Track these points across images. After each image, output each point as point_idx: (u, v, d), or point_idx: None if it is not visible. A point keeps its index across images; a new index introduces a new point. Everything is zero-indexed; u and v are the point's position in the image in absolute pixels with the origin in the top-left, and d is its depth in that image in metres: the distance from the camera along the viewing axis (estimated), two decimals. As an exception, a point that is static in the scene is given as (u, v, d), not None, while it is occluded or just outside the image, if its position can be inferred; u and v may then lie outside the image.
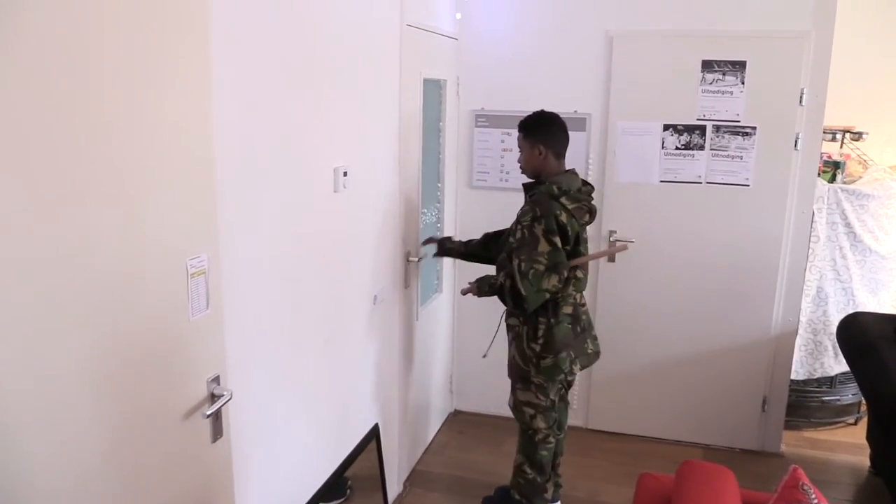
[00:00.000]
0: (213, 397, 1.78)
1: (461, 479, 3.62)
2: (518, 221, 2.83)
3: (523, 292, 2.75)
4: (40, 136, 1.23)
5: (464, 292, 3.10)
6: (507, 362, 3.07)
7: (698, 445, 3.94)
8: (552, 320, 2.88)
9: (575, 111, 3.70)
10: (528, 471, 3.09)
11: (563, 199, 2.80)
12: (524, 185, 2.99)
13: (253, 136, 1.99)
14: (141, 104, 1.46)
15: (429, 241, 3.40)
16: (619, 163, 3.72)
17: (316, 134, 2.33)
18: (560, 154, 2.94)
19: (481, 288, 2.98)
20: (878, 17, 4.43)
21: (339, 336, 2.63)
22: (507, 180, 3.90)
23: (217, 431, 1.82)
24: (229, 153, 1.85)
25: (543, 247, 2.77)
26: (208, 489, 1.83)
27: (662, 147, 3.68)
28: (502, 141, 3.88)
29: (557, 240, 2.77)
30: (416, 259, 3.34)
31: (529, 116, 2.97)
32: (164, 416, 1.63)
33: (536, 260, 2.76)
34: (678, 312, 3.77)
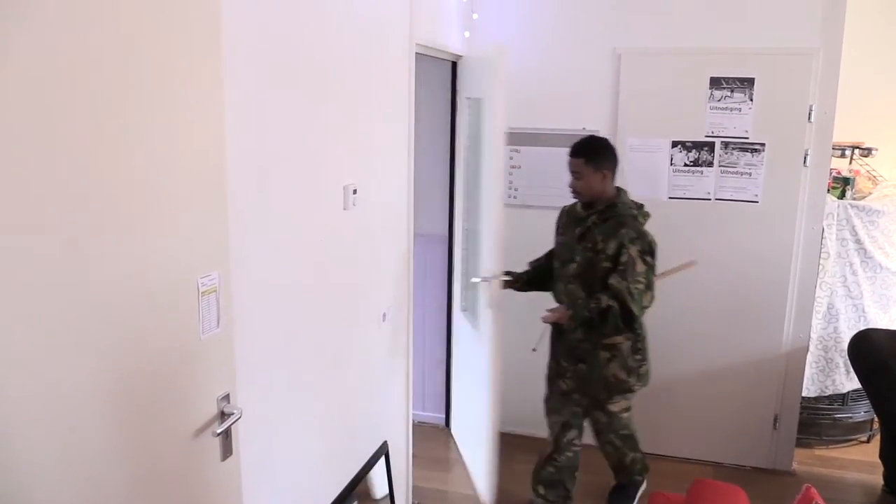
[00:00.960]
0: (223, 415, 1.78)
1: (471, 497, 3.60)
2: (619, 244, 2.99)
3: (636, 312, 2.98)
4: (54, 156, 1.25)
5: (548, 320, 3.17)
6: (565, 388, 3.23)
7: (708, 463, 3.91)
8: (642, 331, 3.16)
9: (583, 128, 3.71)
10: (637, 458, 3.39)
11: (641, 219, 3.08)
12: (584, 205, 3.15)
13: (264, 154, 2.00)
14: (153, 123, 1.48)
15: (507, 274, 3.40)
16: (628, 179, 3.71)
17: (326, 152, 2.35)
18: (615, 176, 3.14)
19: (578, 314, 3.05)
20: (887, 33, 4.43)
21: (347, 354, 2.63)
22: (515, 197, 3.90)
23: (227, 450, 1.82)
24: (241, 172, 1.87)
25: (640, 267, 2.98)
26: (218, 508, 1.83)
27: (671, 164, 3.68)
28: (511, 158, 3.89)
29: (650, 259, 3.00)
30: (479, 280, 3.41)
31: (590, 143, 3.13)
32: (175, 434, 1.63)
33: (637, 280, 2.96)
34: (688, 329, 3.76)
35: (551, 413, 3.35)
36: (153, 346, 1.53)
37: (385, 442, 3.02)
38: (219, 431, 1.73)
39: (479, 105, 3.53)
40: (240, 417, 1.79)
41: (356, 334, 2.69)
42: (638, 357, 3.14)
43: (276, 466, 2.22)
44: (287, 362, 2.22)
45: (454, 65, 3.88)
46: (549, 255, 3.36)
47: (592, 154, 3.08)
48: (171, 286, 1.58)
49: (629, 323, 3.02)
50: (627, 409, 3.26)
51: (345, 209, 2.47)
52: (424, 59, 3.43)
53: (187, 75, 1.58)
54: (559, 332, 3.25)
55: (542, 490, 3.33)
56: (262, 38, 1.96)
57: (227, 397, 1.80)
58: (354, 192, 2.49)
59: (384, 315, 2.90)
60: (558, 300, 3.25)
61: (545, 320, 3.16)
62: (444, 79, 3.91)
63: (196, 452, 1.71)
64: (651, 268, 3.01)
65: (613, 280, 2.98)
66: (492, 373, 3.37)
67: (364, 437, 2.86)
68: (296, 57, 2.12)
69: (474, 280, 3.45)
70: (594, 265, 3.06)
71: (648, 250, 3.01)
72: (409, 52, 2.96)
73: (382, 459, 3.04)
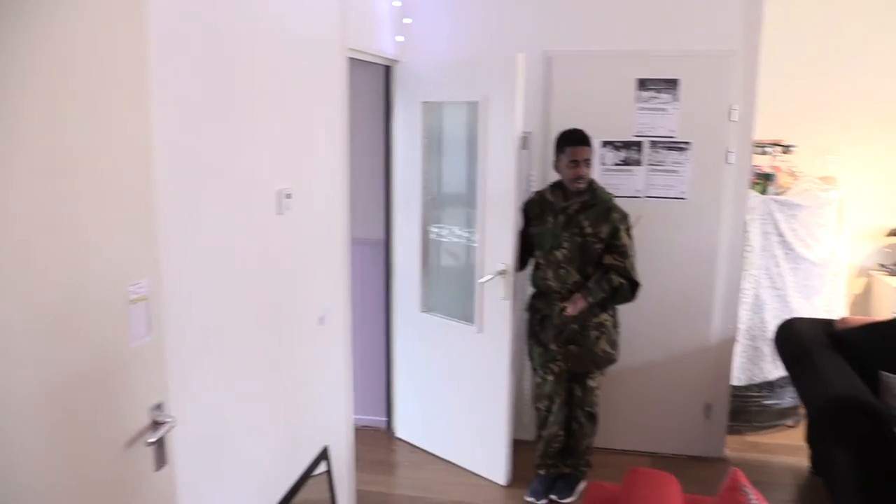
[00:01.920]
0: (156, 424, 1.75)
1: (415, 498, 3.61)
2: (613, 228, 3.33)
3: (640, 283, 3.37)
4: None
5: (576, 311, 3.36)
6: (557, 370, 3.48)
7: (646, 454, 4.01)
8: (616, 308, 3.52)
9: (520, 132, 3.76)
10: (591, 446, 3.64)
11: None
12: (562, 194, 3.42)
13: (193, 160, 1.98)
14: (78, 131, 1.46)
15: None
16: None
17: (258, 157, 2.34)
18: None
19: (594, 295, 3.35)
20: (804, 35, 4.63)
21: (285, 358, 2.62)
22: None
23: (160, 459, 1.80)
24: (169, 178, 1.85)
25: (630, 242, 3.38)
26: (153, 519, 1.80)
27: (602, 163, 3.78)
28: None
29: (631, 231, 3.40)
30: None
31: (585, 132, 3.37)
32: (106, 444, 1.60)
33: (632, 256, 3.38)
34: (621, 324, 3.84)
35: (543, 398, 3.56)
36: (81, 354, 1.50)
37: (326, 447, 3.02)
38: (151, 441, 1.71)
39: (477, 108, 3.55)
40: (173, 426, 1.77)
41: (294, 338, 2.68)
42: (617, 330, 3.53)
43: (214, 475, 2.20)
44: (223, 369, 2.20)
45: (387, 69, 3.90)
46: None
47: (591, 142, 3.39)
48: (99, 294, 1.55)
49: (634, 294, 3.37)
50: (599, 387, 3.57)
51: (279, 214, 2.46)
52: (358, 65, 3.44)
53: (112, 81, 1.56)
54: (542, 321, 3.46)
55: (549, 461, 3.62)
56: (191, 45, 1.94)
57: (159, 406, 1.77)
58: (288, 196, 2.49)
59: (322, 318, 2.89)
60: (543, 287, 3.47)
61: (573, 312, 3.36)
62: (377, 83, 3.92)
63: (129, 463, 1.68)
64: (632, 239, 3.40)
65: (614, 260, 3.34)
66: (511, 362, 3.59)
67: (304, 442, 2.85)
68: (225, 63, 2.11)
69: (484, 280, 3.54)
70: (586, 249, 3.36)
71: (628, 224, 3.38)
72: (341, 57, 2.97)
73: (324, 464, 3.04)
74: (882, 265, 4.80)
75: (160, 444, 1.79)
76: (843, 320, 3.68)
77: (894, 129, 4.67)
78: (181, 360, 1.96)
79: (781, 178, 4.31)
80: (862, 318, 3.83)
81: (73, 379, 1.48)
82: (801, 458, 3.96)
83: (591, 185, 3.41)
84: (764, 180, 4.17)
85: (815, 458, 3.82)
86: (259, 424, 2.46)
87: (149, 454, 1.75)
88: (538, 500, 3.54)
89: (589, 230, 3.35)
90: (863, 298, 4.86)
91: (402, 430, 4.21)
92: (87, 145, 1.49)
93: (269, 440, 2.55)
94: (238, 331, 2.27)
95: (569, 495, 3.56)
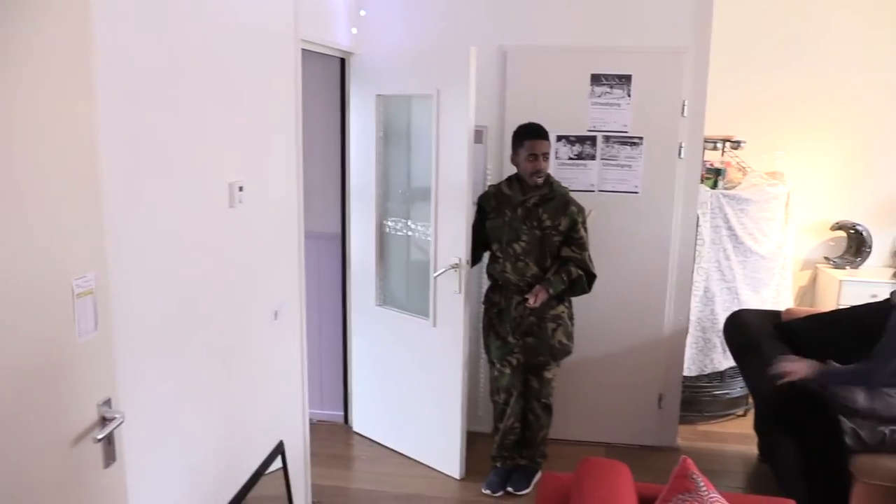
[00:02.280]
0: (105, 421, 1.72)
1: (372, 492, 3.61)
2: (572, 221, 3.39)
3: (595, 273, 3.45)
4: None
5: (538, 302, 3.36)
6: (515, 363, 3.51)
7: (600, 444, 4.07)
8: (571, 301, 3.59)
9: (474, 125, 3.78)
10: (546, 437, 3.69)
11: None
12: (520, 188, 3.44)
13: (140, 151, 1.95)
14: (20, 122, 1.42)
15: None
16: (516, 173, 3.83)
17: (209, 149, 2.30)
18: None
19: (555, 287, 3.38)
20: (753, 33, 4.74)
21: (239, 353, 2.59)
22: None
23: (109, 456, 1.77)
24: (115, 170, 1.81)
25: (586, 235, 3.44)
26: (102, 516, 1.77)
27: (556, 157, 3.81)
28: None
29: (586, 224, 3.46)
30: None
31: (542, 126, 3.42)
32: (52, 441, 1.57)
33: (587, 248, 3.45)
34: (576, 316, 3.89)
35: (501, 391, 3.59)
36: (25, 350, 1.47)
37: (281, 441, 2.99)
38: (100, 437, 1.68)
39: (431, 101, 3.52)
40: (122, 422, 1.74)
41: (247, 333, 2.65)
42: (572, 322, 3.59)
43: (166, 471, 2.17)
44: (174, 364, 2.17)
45: (343, 62, 3.87)
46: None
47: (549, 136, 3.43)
48: (43, 288, 1.52)
49: (590, 285, 3.45)
50: (555, 378, 3.63)
51: (231, 206, 2.43)
52: (312, 56, 3.41)
53: (56, 72, 1.52)
54: (499, 314, 3.50)
55: (505, 453, 3.66)
56: (136, 35, 1.91)
57: (108, 402, 1.74)
58: (240, 189, 2.46)
59: (276, 313, 2.87)
60: (501, 279, 3.51)
61: (536, 303, 3.37)
62: (332, 76, 3.89)
63: (77, 460, 1.65)
64: (587, 231, 3.48)
65: (573, 252, 3.40)
66: (465, 355, 3.61)
67: (259, 437, 2.83)
68: (173, 54, 2.08)
69: (437, 273, 3.53)
70: (545, 242, 3.41)
71: (584, 217, 3.46)
72: (294, 48, 2.94)
73: (280, 460, 3.01)
74: (827, 258, 4.94)
75: (109, 441, 1.76)
76: (788, 311, 3.79)
77: (839, 125, 4.81)
78: (130, 354, 1.93)
79: (731, 174, 4.40)
80: (806, 309, 3.94)
81: (17, 375, 1.45)
82: (750, 447, 4.06)
83: (549, 178, 3.45)
84: (714, 175, 4.26)
85: (763, 445, 3.93)
86: (212, 419, 2.43)
87: (97, 451, 1.72)
88: (494, 493, 3.57)
89: (548, 223, 3.38)
90: (809, 290, 5.01)
91: (359, 424, 4.21)
92: (31, 137, 1.46)
93: (222, 435, 2.52)
94: (189, 325, 2.24)
95: (525, 487, 3.59)
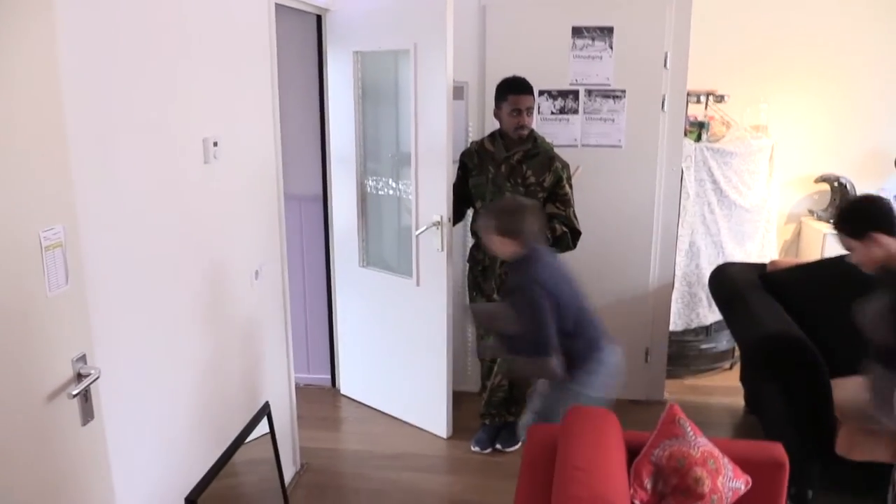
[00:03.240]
0: (80, 377, 1.69)
1: (360, 452, 3.61)
2: (556, 177, 3.35)
3: (580, 230, 3.41)
4: None
5: None
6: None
7: (588, 400, 4.08)
8: None
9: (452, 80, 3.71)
10: None
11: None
12: (503, 144, 3.39)
13: (109, 103, 1.89)
14: (-28, 62, 1.36)
15: None
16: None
17: (181, 103, 2.24)
18: None
19: None
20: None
21: (219, 313, 2.55)
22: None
23: (87, 413, 1.73)
24: (83, 121, 1.76)
25: (570, 191, 3.40)
26: (82, 474, 1.74)
27: (539, 112, 3.76)
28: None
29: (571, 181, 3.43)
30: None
31: (526, 80, 3.32)
32: (25, 398, 1.53)
33: (573, 204, 3.40)
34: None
35: (487, 349, 3.54)
36: (-9, 302, 1.43)
37: (267, 402, 2.97)
38: (75, 393, 1.64)
39: (409, 57, 3.44)
40: (98, 377, 1.71)
41: (227, 292, 2.61)
42: None
43: (149, 429, 2.15)
44: (153, 321, 2.13)
45: (319, 18, 3.79)
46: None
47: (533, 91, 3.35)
48: (8, 241, 1.47)
49: (575, 242, 3.41)
50: None
51: (206, 162, 2.37)
52: (288, 13, 3.33)
53: (16, 20, 1.46)
54: (483, 271, 3.47)
55: (493, 410, 3.65)
56: (98, -23, 1.84)
57: (83, 357, 1.71)
58: (215, 144, 2.40)
59: (256, 273, 2.83)
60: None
61: None
62: (310, 33, 3.81)
63: (52, 417, 1.62)
64: (572, 188, 3.44)
65: (557, 209, 3.36)
66: (450, 314, 3.55)
67: (244, 397, 2.80)
68: (143, 4, 2.01)
69: (419, 232, 3.48)
70: (529, 198, 3.24)
71: (569, 173, 3.41)
72: (268, 2, 2.86)
73: (266, 423, 3.00)
74: (811, 211, 4.94)
75: (86, 397, 1.72)
76: (773, 263, 3.78)
77: (823, 78, 4.78)
78: (107, 310, 1.88)
79: (715, 127, 4.37)
80: (791, 261, 3.94)
81: (-16, 327, 1.41)
82: (737, 399, 4.09)
83: (532, 134, 3.40)
84: (698, 129, 4.22)
85: (750, 396, 3.95)
86: (195, 380, 2.40)
87: (74, 407, 1.69)
88: (483, 450, 3.58)
89: (532, 179, 3.34)
90: (793, 244, 5.01)
91: (346, 386, 4.19)
92: (-13, 78, 1.40)
93: (206, 396, 2.49)
94: (167, 282, 2.20)
95: (513, 444, 3.60)
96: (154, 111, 2.09)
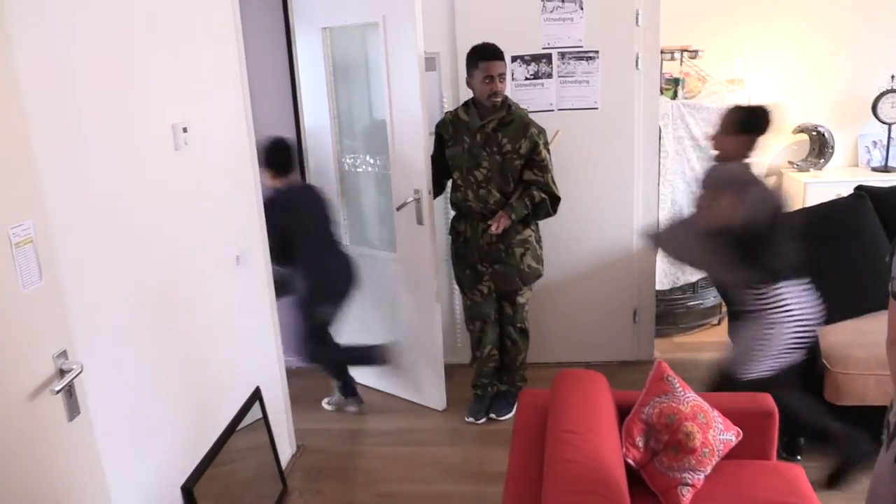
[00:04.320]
0: (62, 373, 1.67)
1: (356, 431, 3.62)
2: (533, 143, 3.31)
3: (559, 195, 3.38)
4: None
5: (500, 228, 3.32)
6: (486, 290, 3.50)
7: (579, 364, 4.09)
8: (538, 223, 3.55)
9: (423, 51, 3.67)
10: (525, 360, 3.69)
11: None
12: (477, 113, 3.35)
13: (72, 96, 1.85)
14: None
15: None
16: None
17: (146, 90, 2.20)
18: None
19: (517, 213, 3.33)
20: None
21: (202, 300, 2.53)
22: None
23: (73, 409, 1.72)
24: (47, 114, 1.72)
25: (548, 156, 3.37)
26: (73, 469, 1.73)
27: (512, 79, 3.73)
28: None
29: (548, 145, 3.40)
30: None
31: (497, 46, 3.28)
32: (7, 397, 1.52)
33: (551, 170, 3.38)
34: (543, 239, 3.86)
35: (475, 319, 3.59)
36: (-38, 303, 1.40)
37: (258, 387, 2.97)
38: (58, 389, 1.62)
39: (377, 30, 3.40)
40: (80, 372, 1.69)
41: (208, 278, 2.58)
42: (540, 245, 3.55)
43: (140, 420, 2.14)
44: (134, 312, 2.11)
45: (285, -4, 3.72)
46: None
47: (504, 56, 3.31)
48: (-24, 240, 1.45)
49: (555, 208, 3.40)
50: (528, 302, 3.59)
51: (177, 149, 2.34)
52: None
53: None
54: (466, 243, 3.47)
55: (485, 380, 3.68)
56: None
57: (63, 353, 1.69)
58: (185, 130, 2.36)
59: (238, 258, 2.80)
60: (464, 208, 3.46)
61: (498, 230, 3.32)
62: (275, 11, 3.75)
63: (36, 415, 1.60)
64: (550, 153, 3.39)
65: (535, 175, 3.34)
66: (434, 287, 3.54)
67: (234, 383, 2.80)
68: (94, -14, 1.96)
69: (399, 206, 3.46)
70: (506, 166, 3.33)
71: (546, 139, 3.37)
72: (229, -18, 2.81)
73: (259, 408, 2.99)
74: (791, 162, 4.94)
75: (70, 393, 1.71)
76: (755, 215, 3.78)
77: (796, 26, 4.75)
78: (84, 304, 1.87)
79: (691, 83, 4.35)
80: (773, 212, 3.95)
81: (-43, 329, 1.39)
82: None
83: (507, 101, 3.37)
84: (674, 86, 4.21)
85: (739, 350, 3.97)
86: (182, 367, 2.39)
87: (58, 404, 1.67)
88: (477, 420, 3.60)
89: (508, 147, 3.32)
90: (775, 196, 5.01)
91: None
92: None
93: (195, 383, 2.48)
94: (145, 272, 2.17)
95: (507, 412, 3.62)
96: (118, 99, 2.05)
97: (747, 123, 2.78)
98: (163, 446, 2.27)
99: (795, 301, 2.68)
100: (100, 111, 1.96)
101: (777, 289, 2.67)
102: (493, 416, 3.62)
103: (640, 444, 2.25)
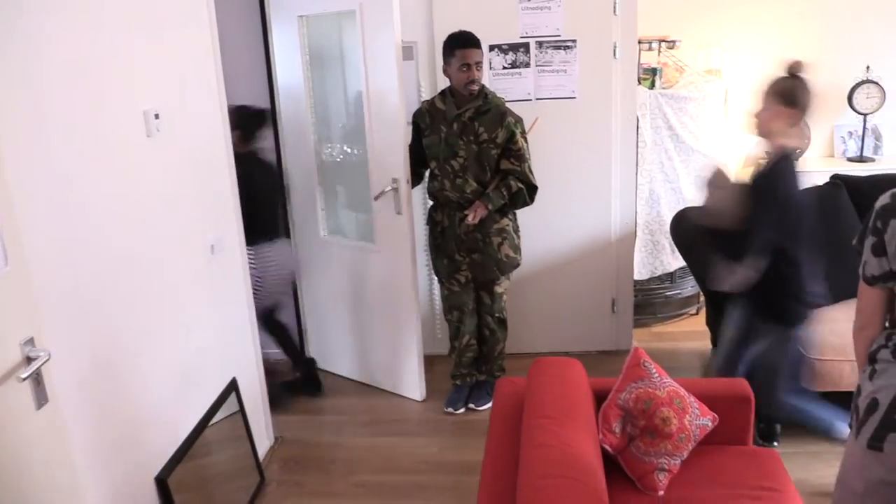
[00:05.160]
0: (29, 360, 1.64)
1: (336, 421, 3.60)
2: (509, 132, 3.29)
3: (537, 185, 3.36)
4: None
5: (476, 218, 3.31)
6: (464, 280, 3.49)
7: (558, 354, 4.05)
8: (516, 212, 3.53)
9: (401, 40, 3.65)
10: (504, 350, 3.68)
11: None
12: (454, 101, 3.34)
13: (37, 79, 1.81)
14: None
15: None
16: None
17: (116, 76, 2.16)
18: None
19: (494, 202, 3.32)
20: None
21: (174, 289, 2.49)
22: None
23: (41, 397, 1.69)
24: (12, 98, 1.69)
25: (525, 146, 3.35)
26: (42, 458, 1.70)
27: (490, 68, 3.72)
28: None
29: (526, 134, 3.38)
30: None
31: (474, 34, 3.27)
32: (-29, 384, 1.49)
33: (528, 159, 3.36)
34: (521, 228, 3.84)
35: (453, 309, 3.59)
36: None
37: (234, 378, 2.94)
38: (24, 377, 1.59)
39: (355, 18, 3.37)
40: (48, 360, 1.66)
41: (181, 267, 2.55)
42: (518, 235, 3.54)
43: (112, 409, 2.11)
44: (106, 301, 2.09)
45: (260, -15, 3.68)
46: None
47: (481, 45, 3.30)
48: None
49: (532, 197, 3.37)
50: (506, 292, 3.59)
51: (148, 136, 2.31)
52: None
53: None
54: (443, 232, 3.45)
55: (464, 370, 3.67)
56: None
57: (31, 340, 1.66)
58: (157, 116, 2.33)
59: (212, 247, 2.77)
60: (441, 198, 3.44)
61: (474, 220, 3.32)
62: (251, 1, 3.71)
63: (3, 403, 1.57)
64: (527, 142, 3.38)
65: (511, 164, 3.32)
66: (414, 277, 3.55)
67: (210, 374, 2.77)
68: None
69: (376, 196, 3.43)
70: (482, 155, 3.32)
71: (523, 128, 3.35)
72: (202, -33, 2.77)
73: (236, 401, 2.97)
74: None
75: (37, 381, 1.68)
76: (732, 204, 3.80)
77: (773, 17, 4.77)
78: (54, 292, 1.84)
79: (668, 73, 4.36)
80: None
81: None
82: (705, 342, 4.12)
83: (483, 89, 3.35)
84: (651, 75, 4.22)
85: (715, 338, 3.99)
86: (155, 357, 2.36)
87: (26, 392, 1.64)
88: (456, 410, 3.59)
89: (485, 136, 3.30)
90: (752, 186, 5.04)
91: (317, 358, 4.16)
92: None
93: (170, 373, 2.45)
94: (116, 258, 2.14)
95: (486, 402, 3.61)
96: (88, 84, 2.02)
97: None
98: (136, 437, 2.24)
99: None
100: (69, 97, 1.93)
101: None
102: (471, 406, 3.62)
103: (617, 430, 2.26)
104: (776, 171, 2.67)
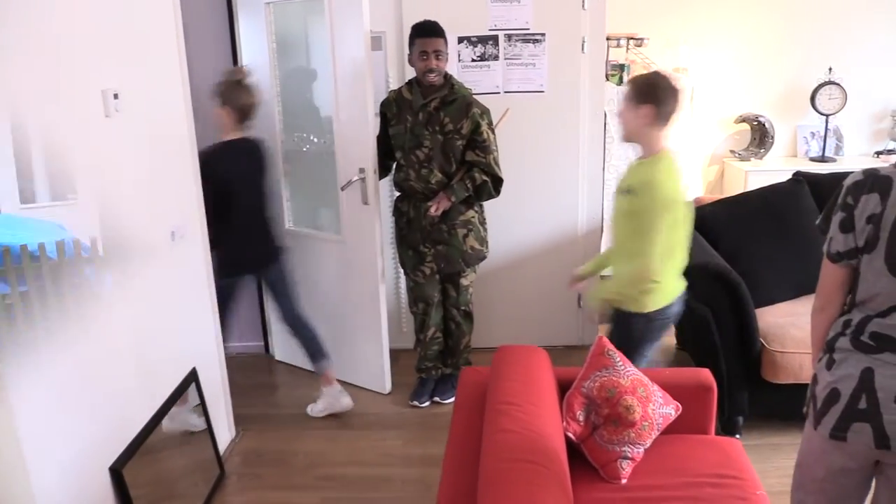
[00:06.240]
0: (-24, 340, 1.59)
1: (299, 415, 3.55)
2: (475, 123, 3.26)
3: (502, 177, 3.35)
4: None
5: (440, 210, 3.29)
6: (429, 272, 3.46)
7: (524, 348, 4.10)
8: (482, 205, 3.52)
9: (370, 30, 3.62)
10: (469, 344, 3.66)
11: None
12: (420, 91, 3.30)
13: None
14: None
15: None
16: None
17: (74, 52, 2.10)
18: None
19: (457, 194, 3.30)
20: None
21: (133, 275, 2.43)
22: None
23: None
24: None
25: (492, 137, 3.33)
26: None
27: (459, 60, 3.70)
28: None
29: (492, 125, 3.36)
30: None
31: (437, 23, 3.25)
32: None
33: (494, 150, 3.33)
34: (488, 221, 3.83)
35: (419, 301, 3.56)
36: None
37: (194, 368, 2.88)
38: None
39: (318, 7, 3.33)
40: None
41: (139, 253, 2.48)
42: (484, 227, 3.52)
43: (66, 400, 2.04)
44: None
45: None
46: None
47: (445, 35, 3.26)
48: None
49: (497, 190, 3.36)
50: (472, 285, 3.57)
51: (107, 116, 2.25)
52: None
53: None
54: (408, 223, 3.43)
55: (429, 363, 3.65)
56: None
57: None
58: (116, 96, 2.27)
59: (173, 234, 2.71)
60: (406, 188, 3.41)
61: (437, 211, 3.29)
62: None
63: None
64: (494, 134, 3.35)
65: (476, 156, 3.29)
66: (378, 270, 3.50)
67: (170, 364, 2.71)
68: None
69: (343, 186, 3.41)
70: (447, 146, 3.28)
71: (490, 119, 3.33)
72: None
73: (196, 394, 2.91)
74: (733, 151, 5.03)
75: (-16, 363, 1.62)
76: (697, 199, 3.84)
77: (739, 17, 4.83)
78: None
79: (636, 71, 4.39)
80: (714, 197, 4.01)
81: None
82: (668, 337, 4.16)
83: (449, 80, 3.33)
84: (619, 71, 4.24)
85: (679, 334, 4.03)
86: (111, 346, 2.29)
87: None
88: (421, 403, 3.57)
89: (450, 127, 3.28)
90: (717, 185, 5.10)
91: (280, 352, 4.12)
92: None
93: (127, 362, 2.38)
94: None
95: (451, 395, 3.59)
96: (43, 61, 1.95)
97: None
98: (90, 427, 2.17)
99: None
100: (22, 72, 1.86)
101: None
102: (437, 399, 3.60)
103: (581, 418, 2.25)
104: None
